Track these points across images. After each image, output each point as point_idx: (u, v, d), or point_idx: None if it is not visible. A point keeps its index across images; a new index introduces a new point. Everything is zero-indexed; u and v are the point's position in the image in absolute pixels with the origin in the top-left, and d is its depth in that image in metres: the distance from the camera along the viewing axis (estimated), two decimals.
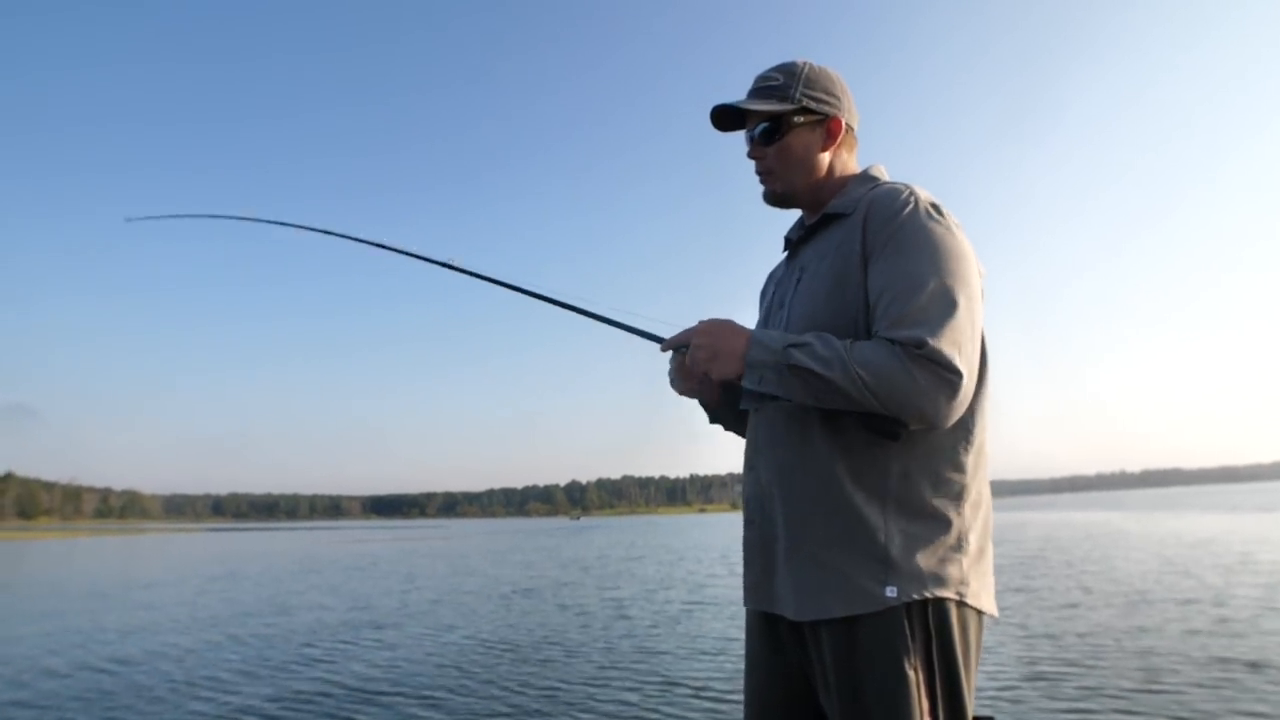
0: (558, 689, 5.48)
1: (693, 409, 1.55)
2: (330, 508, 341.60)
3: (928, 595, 1.14)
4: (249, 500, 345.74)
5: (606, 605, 10.29)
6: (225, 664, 6.75)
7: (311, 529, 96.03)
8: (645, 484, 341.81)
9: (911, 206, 1.21)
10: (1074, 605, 8.48)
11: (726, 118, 1.40)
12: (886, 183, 1.33)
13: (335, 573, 18.26)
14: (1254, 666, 5.28)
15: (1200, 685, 4.87)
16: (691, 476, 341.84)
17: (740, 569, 1.38)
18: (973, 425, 1.22)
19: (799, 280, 1.35)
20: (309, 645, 7.68)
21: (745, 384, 1.20)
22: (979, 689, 1.25)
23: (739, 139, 1.43)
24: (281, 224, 2.09)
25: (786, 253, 1.48)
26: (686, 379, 1.40)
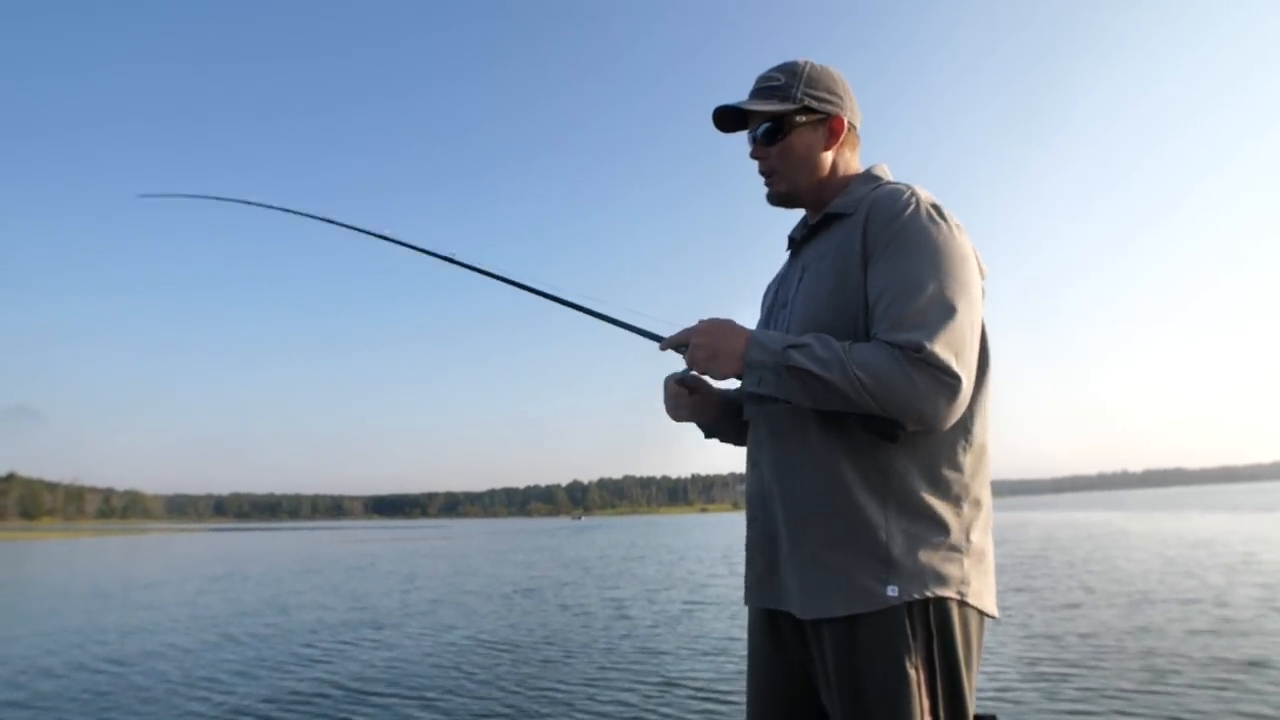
0: (558, 689, 5.48)
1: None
2: (332, 508, 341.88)
3: (929, 595, 1.14)
4: (251, 500, 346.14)
5: (607, 605, 10.29)
6: (225, 664, 6.76)
7: (313, 529, 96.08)
8: (647, 484, 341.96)
9: (912, 208, 1.21)
10: (1075, 605, 8.47)
11: (729, 118, 1.40)
12: (889, 183, 1.33)
13: (336, 572, 18.27)
14: (1256, 667, 5.27)
15: (1202, 686, 4.85)
16: (693, 476, 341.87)
17: (742, 568, 1.39)
18: (973, 425, 1.22)
19: (801, 280, 1.35)
20: (309, 645, 7.69)
21: (744, 384, 1.20)
22: (980, 689, 1.25)
23: (739, 140, 1.43)
24: (285, 210, 2.13)
25: (790, 252, 1.48)
26: (679, 409, 1.47)
